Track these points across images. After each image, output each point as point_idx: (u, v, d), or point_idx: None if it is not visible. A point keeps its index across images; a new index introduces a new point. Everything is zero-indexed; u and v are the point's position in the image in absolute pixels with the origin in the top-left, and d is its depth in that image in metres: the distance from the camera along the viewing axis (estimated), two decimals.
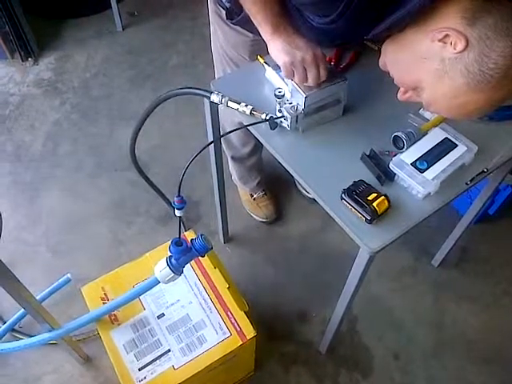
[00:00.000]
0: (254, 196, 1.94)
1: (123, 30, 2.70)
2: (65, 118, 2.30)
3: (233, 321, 1.31)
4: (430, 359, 1.65)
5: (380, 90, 1.22)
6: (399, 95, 0.93)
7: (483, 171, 1.07)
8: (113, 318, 1.33)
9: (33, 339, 1.34)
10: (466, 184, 1.05)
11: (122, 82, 2.45)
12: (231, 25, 1.26)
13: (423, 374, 1.63)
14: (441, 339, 1.69)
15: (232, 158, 1.81)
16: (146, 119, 1.33)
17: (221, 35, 1.36)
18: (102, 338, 1.31)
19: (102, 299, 1.36)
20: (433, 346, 1.68)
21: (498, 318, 1.74)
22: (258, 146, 1.72)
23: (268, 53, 1.06)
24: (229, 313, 1.33)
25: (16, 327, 1.62)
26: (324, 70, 1.03)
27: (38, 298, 1.57)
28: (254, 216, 1.95)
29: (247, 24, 1.08)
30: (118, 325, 1.32)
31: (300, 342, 1.67)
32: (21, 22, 2.37)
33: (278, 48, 1.02)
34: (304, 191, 1.98)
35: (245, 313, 1.34)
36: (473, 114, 0.85)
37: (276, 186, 2.03)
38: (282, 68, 1.04)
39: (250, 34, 1.26)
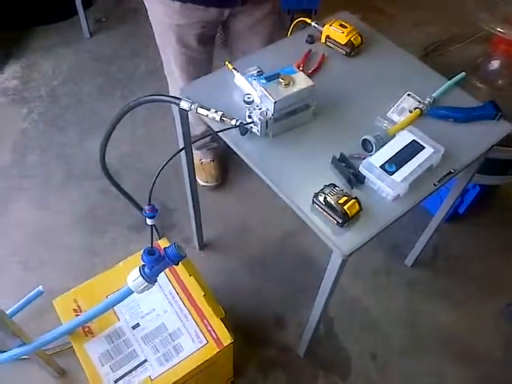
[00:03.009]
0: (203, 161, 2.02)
1: (91, 36, 2.67)
2: (32, 127, 2.25)
3: (209, 328, 1.30)
4: (406, 358, 1.67)
5: (348, 94, 1.24)
6: None
7: (451, 172, 1.09)
8: (86, 330, 1.30)
9: (4, 355, 1.30)
10: (434, 185, 1.07)
11: (91, 90, 2.42)
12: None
13: (400, 373, 1.64)
14: (416, 338, 1.72)
15: None
16: (115, 127, 1.32)
17: (158, 19, 1.47)
18: (76, 351, 1.28)
19: (75, 311, 1.33)
20: (409, 345, 1.70)
21: (472, 315, 1.78)
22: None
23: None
24: (205, 320, 1.32)
25: None
26: None
27: (9, 311, 1.53)
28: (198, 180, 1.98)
29: None
30: (92, 337, 1.29)
31: (278, 347, 1.67)
32: None
33: None
34: None
35: (221, 320, 1.33)
36: None
37: (252, 190, 2.03)
38: None
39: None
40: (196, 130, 1.76)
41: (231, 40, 1.60)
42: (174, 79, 1.66)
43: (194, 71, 1.58)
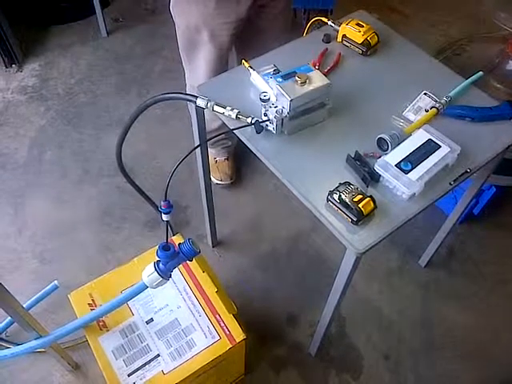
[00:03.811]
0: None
1: (108, 36, 2.70)
2: (50, 125, 2.28)
3: (222, 324, 1.31)
4: (419, 358, 1.66)
5: (364, 93, 1.24)
6: None
7: (466, 171, 1.09)
8: (101, 324, 1.32)
9: (20, 347, 1.33)
10: (450, 184, 1.07)
11: (108, 88, 2.45)
12: None
13: (413, 374, 1.63)
14: (429, 338, 1.71)
15: None
16: (131, 125, 1.34)
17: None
18: (91, 344, 1.30)
19: (90, 305, 1.35)
20: (422, 346, 1.69)
21: (485, 317, 1.76)
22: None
23: None
24: (218, 316, 1.33)
25: (3, 336, 1.61)
26: None
27: (25, 305, 1.55)
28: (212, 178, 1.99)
29: None
30: (107, 331, 1.31)
31: (290, 345, 1.68)
32: (4, 28, 2.35)
33: None
34: None
35: (234, 316, 1.34)
36: None
37: (265, 189, 2.04)
38: None
39: None
40: (212, 124, 1.77)
41: (248, 37, 1.61)
42: (196, 79, 1.67)
43: (218, 70, 1.60)
